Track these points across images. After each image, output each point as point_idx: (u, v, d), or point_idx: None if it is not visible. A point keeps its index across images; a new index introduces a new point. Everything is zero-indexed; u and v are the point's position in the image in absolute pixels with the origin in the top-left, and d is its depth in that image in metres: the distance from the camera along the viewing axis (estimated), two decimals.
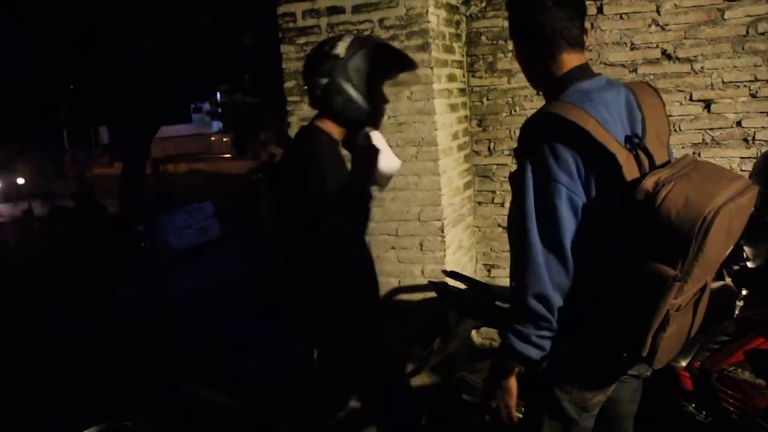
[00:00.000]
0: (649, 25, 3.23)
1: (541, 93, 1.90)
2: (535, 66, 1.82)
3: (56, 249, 10.29)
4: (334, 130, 2.34)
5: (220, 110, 29.85)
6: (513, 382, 1.78)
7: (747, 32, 3.09)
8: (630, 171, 1.62)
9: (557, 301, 1.65)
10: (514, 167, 3.48)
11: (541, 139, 1.65)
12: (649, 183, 1.54)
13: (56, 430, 4.07)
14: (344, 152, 2.39)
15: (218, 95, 28.20)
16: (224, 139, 34.71)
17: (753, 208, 1.71)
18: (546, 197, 1.63)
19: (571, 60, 1.77)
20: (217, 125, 36.26)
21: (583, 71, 1.79)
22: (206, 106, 32.09)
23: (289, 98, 3.46)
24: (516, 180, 1.74)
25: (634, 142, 1.67)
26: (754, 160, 2.91)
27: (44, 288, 7.79)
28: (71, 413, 4.38)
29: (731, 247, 1.68)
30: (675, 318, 1.59)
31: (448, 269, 3.25)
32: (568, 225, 1.62)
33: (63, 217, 13.52)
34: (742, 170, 3.16)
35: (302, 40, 3.37)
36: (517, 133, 3.42)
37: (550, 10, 1.73)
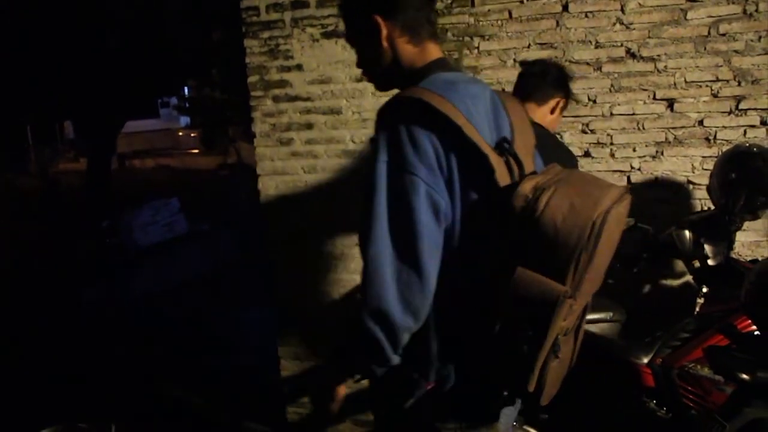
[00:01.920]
0: (614, 24, 3.25)
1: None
2: (391, 52, 1.57)
3: (19, 247, 10.09)
4: None
5: (187, 105, 29.52)
6: (342, 390, 1.61)
7: (709, 33, 3.12)
8: (502, 176, 1.43)
9: (405, 325, 1.36)
10: None
11: (398, 125, 1.41)
12: (527, 187, 1.35)
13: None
14: None
15: (186, 90, 27.90)
16: (192, 135, 34.35)
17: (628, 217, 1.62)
18: (400, 193, 1.38)
19: (433, 50, 1.60)
20: (185, 120, 35.85)
21: (446, 63, 1.61)
22: (174, 101, 31.72)
23: (253, 93, 3.42)
24: (368, 175, 1.46)
25: (504, 147, 1.48)
26: (715, 159, 2.95)
27: (6, 287, 7.64)
28: (30, 415, 4.30)
29: (610, 258, 1.50)
30: (563, 343, 1.39)
31: None
32: (427, 229, 1.36)
33: (26, 214, 13.26)
34: (704, 169, 3.20)
35: (266, 35, 3.34)
36: None
37: None
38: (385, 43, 1.56)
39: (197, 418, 3.95)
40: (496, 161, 1.43)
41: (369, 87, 3.18)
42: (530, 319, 1.32)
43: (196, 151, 30.09)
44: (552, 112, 2.26)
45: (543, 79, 2.25)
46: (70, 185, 13.87)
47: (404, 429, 1.63)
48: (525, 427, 2.70)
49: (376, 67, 1.62)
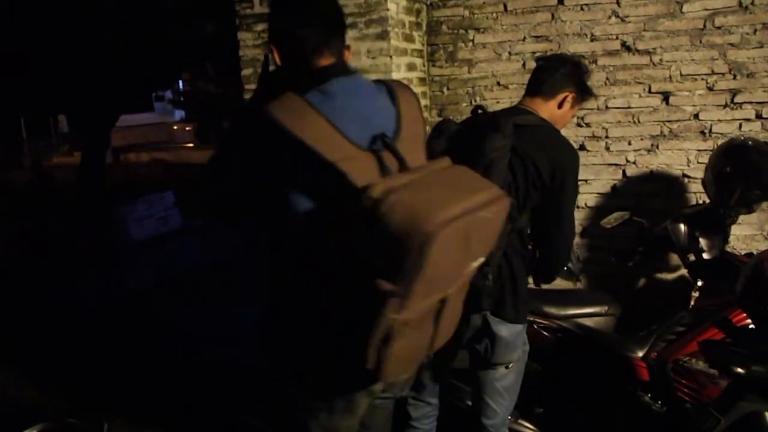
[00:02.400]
0: (609, 17, 3.24)
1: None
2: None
3: (13, 241, 10.05)
4: None
5: (182, 99, 29.42)
6: None
7: (704, 26, 3.11)
8: (364, 175, 1.47)
9: None
10: None
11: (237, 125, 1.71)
12: (377, 190, 1.38)
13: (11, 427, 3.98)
14: None
15: (180, 84, 27.81)
16: (187, 128, 34.25)
17: (508, 219, 1.77)
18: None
19: (326, 58, 1.71)
20: (179, 114, 35.76)
21: (338, 68, 1.69)
22: (168, 95, 31.63)
23: (247, 86, 3.40)
24: None
25: (379, 143, 1.55)
26: (711, 153, 2.94)
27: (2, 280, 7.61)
28: (22, 411, 4.28)
29: (477, 260, 1.56)
30: (403, 333, 1.45)
31: None
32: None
33: (20, 208, 13.21)
34: (699, 162, 3.20)
35: (260, 27, 3.31)
36: None
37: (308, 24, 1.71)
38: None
39: (195, 412, 3.94)
40: (355, 161, 1.49)
41: None
42: (367, 311, 1.41)
43: (191, 144, 29.99)
44: (560, 106, 2.25)
45: (551, 74, 2.25)
46: (64, 179, 13.82)
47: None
48: (520, 420, 2.70)
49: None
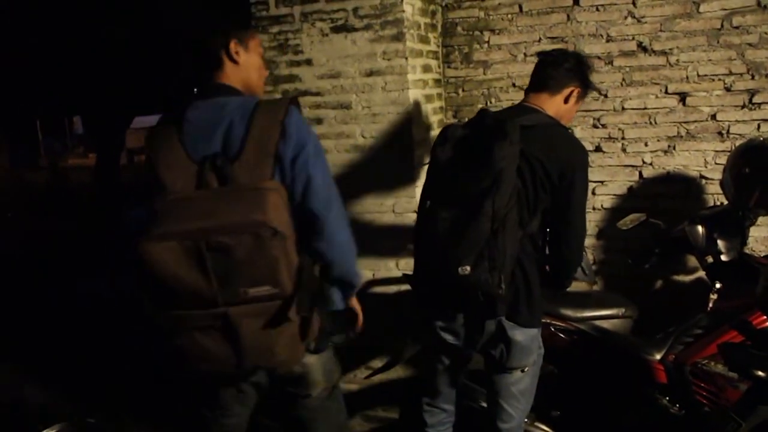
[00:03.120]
0: (625, 18, 3.22)
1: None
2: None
3: (29, 240, 10.13)
4: None
5: None
6: None
7: (722, 26, 3.09)
8: (181, 187, 1.72)
9: None
10: None
11: None
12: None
13: (21, 427, 4.00)
14: None
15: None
16: None
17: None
18: None
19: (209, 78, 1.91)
20: None
21: (205, 89, 1.90)
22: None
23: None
24: None
25: (211, 161, 1.72)
26: (728, 154, 2.92)
27: (16, 280, 7.67)
28: (40, 409, 4.31)
29: (256, 287, 1.64)
30: (192, 335, 1.68)
31: None
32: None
33: (36, 208, 13.32)
34: (716, 163, 3.17)
35: (275, 29, 3.32)
36: None
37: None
38: None
39: None
40: (178, 175, 1.73)
41: (379, 82, 3.17)
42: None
43: None
44: (566, 101, 2.24)
45: (556, 68, 2.23)
46: (79, 180, 13.92)
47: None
48: (536, 423, 2.69)
49: None
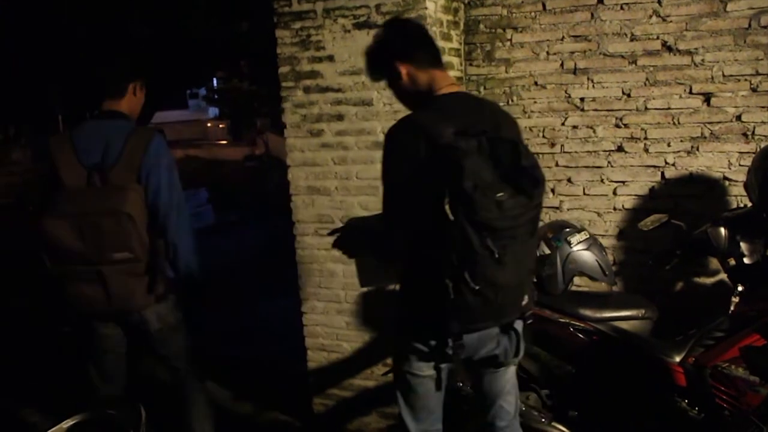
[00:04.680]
0: (650, 16, 3.19)
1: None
2: None
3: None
4: None
5: (216, 96, 29.67)
6: None
7: (749, 25, 3.05)
8: (71, 184, 2.57)
9: None
10: None
11: None
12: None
13: (40, 419, 4.04)
14: None
15: (215, 81, 28.05)
16: (220, 126, 34.58)
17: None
18: None
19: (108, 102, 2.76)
20: (213, 111, 36.08)
21: (101, 112, 2.77)
22: (203, 92, 31.92)
23: (284, 84, 3.42)
24: None
25: (98, 167, 2.56)
26: (753, 156, 2.88)
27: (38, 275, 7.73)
28: (61, 401, 4.35)
29: (119, 252, 2.50)
30: (78, 284, 2.58)
31: None
32: None
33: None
34: (741, 165, 3.13)
35: (297, 25, 3.33)
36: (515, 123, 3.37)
37: None
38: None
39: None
40: (73, 175, 2.58)
41: None
42: None
43: (225, 141, 30.25)
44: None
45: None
46: None
47: None
48: (554, 423, 2.68)
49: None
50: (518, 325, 2.17)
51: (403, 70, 2.18)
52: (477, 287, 1.91)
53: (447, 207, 1.91)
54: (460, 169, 1.89)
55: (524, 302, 2.10)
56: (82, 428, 2.25)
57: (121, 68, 2.78)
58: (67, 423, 2.21)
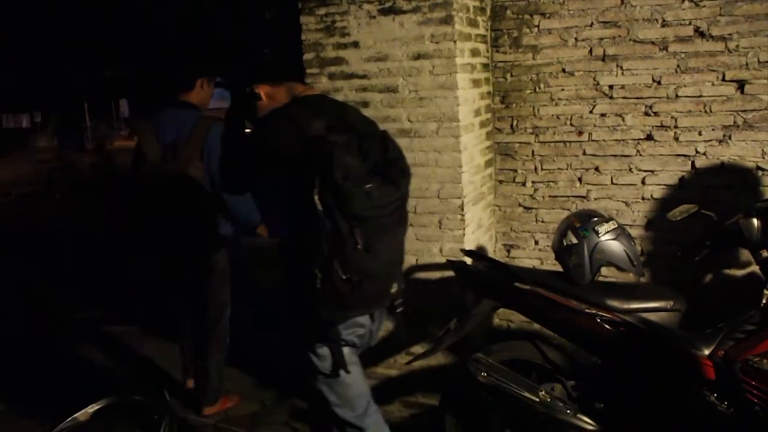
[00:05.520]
0: (683, 1, 3.13)
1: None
2: None
3: (77, 220, 10.37)
4: None
5: None
6: None
7: None
8: (150, 158, 3.36)
9: None
10: (537, 146, 3.43)
11: None
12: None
13: (66, 403, 4.09)
14: None
15: None
16: None
17: None
18: None
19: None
20: None
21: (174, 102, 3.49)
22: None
23: (308, 71, 3.40)
24: None
25: (170, 146, 3.32)
26: None
27: (65, 260, 7.85)
28: (83, 387, 4.40)
29: None
30: None
31: (467, 248, 3.20)
32: None
33: (83, 188, 13.59)
34: None
35: (322, 11, 3.31)
36: (542, 110, 3.35)
37: None
38: None
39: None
40: (153, 150, 3.36)
41: (426, 65, 3.14)
42: None
43: (248, 129, 30.36)
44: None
45: None
46: (124, 162, 14.14)
47: None
48: (579, 415, 2.65)
49: None
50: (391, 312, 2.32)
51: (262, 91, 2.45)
52: (346, 276, 2.01)
53: (316, 197, 2.02)
54: (331, 160, 2.01)
55: (393, 290, 2.23)
56: (108, 413, 2.26)
57: (191, 66, 3.64)
58: (93, 407, 2.22)
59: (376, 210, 2.05)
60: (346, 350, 2.27)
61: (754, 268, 2.89)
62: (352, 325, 2.23)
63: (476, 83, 3.37)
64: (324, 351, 2.27)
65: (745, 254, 2.98)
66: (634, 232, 3.25)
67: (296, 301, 2.22)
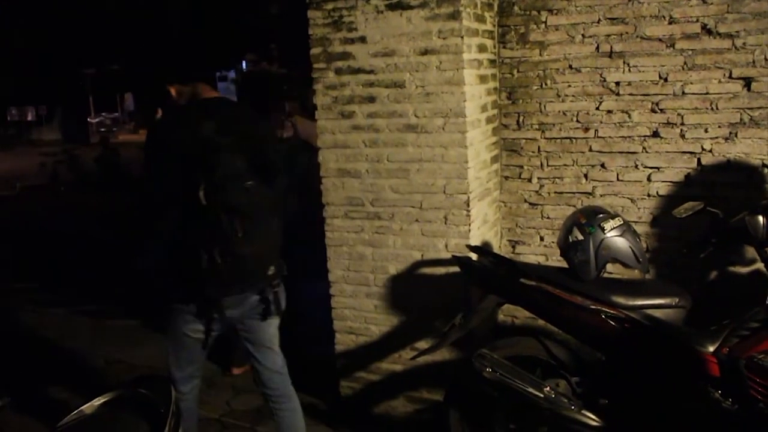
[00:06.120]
0: None
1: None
2: None
3: (81, 214, 10.38)
4: None
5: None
6: None
7: None
8: None
9: None
10: (543, 142, 3.42)
11: None
12: None
13: (71, 396, 4.11)
14: None
15: (244, 64, 28.14)
16: None
17: None
18: None
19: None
20: None
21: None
22: (232, 75, 32.04)
23: (315, 65, 3.40)
24: None
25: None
26: None
27: (69, 253, 7.87)
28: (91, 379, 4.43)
29: None
30: None
31: (473, 244, 3.21)
32: None
33: (88, 182, 13.61)
34: None
35: (329, 6, 3.30)
36: (548, 107, 3.35)
37: None
38: None
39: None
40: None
41: (433, 61, 3.14)
42: None
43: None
44: None
45: None
46: (129, 156, 14.17)
47: None
48: (583, 411, 2.66)
49: None
50: (269, 291, 2.67)
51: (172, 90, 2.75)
52: (226, 260, 2.42)
53: (201, 193, 2.39)
54: (215, 160, 2.41)
55: (270, 272, 2.63)
56: (114, 405, 2.27)
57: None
58: (99, 400, 2.23)
59: (252, 205, 2.48)
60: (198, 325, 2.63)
61: (760, 265, 2.89)
62: (243, 302, 2.63)
63: (483, 79, 3.37)
64: (198, 326, 2.63)
65: (751, 251, 2.97)
66: (640, 229, 3.25)
67: (181, 285, 2.59)
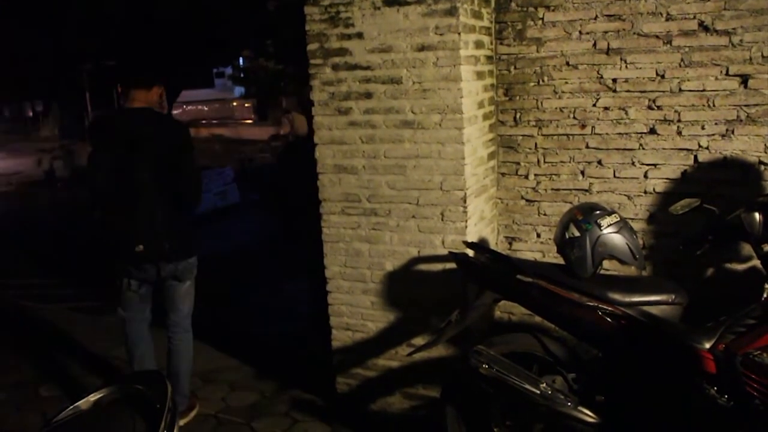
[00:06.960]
0: None
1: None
2: None
3: (77, 210, 10.37)
4: None
5: (242, 75, 29.76)
6: None
7: None
8: None
9: None
10: (540, 139, 3.42)
11: None
12: None
13: (66, 392, 4.11)
14: None
15: (241, 60, 28.10)
16: (246, 105, 34.73)
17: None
18: None
19: None
20: (239, 90, 36.22)
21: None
22: (229, 71, 32.01)
23: (312, 61, 3.39)
24: None
25: None
26: None
27: (65, 248, 7.86)
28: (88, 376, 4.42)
29: None
30: None
31: (469, 240, 3.21)
32: None
33: (84, 178, 13.59)
34: None
35: (326, 2, 3.30)
36: (545, 103, 3.34)
37: None
38: None
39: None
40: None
41: (430, 57, 3.14)
42: None
43: (250, 121, 30.40)
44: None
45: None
46: None
47: None
48: (580, 407, 2.66)
49: None
50: (175, 262, 3.52)
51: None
52: (131, 239, 3.36)
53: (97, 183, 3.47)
54: (98, 158, 3.44)
55: (167, 248, 3.41)
56: (110, 401, 2.26)
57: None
58: (95, 396, 2.22)
59: (117, 194, 3.38)
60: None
61: (756, 262, 2.89)
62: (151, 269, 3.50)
63: (480, 75, 3.36)
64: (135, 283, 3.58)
65: (747, 248, 2.98)
66: (636, 226, 3.25)
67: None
